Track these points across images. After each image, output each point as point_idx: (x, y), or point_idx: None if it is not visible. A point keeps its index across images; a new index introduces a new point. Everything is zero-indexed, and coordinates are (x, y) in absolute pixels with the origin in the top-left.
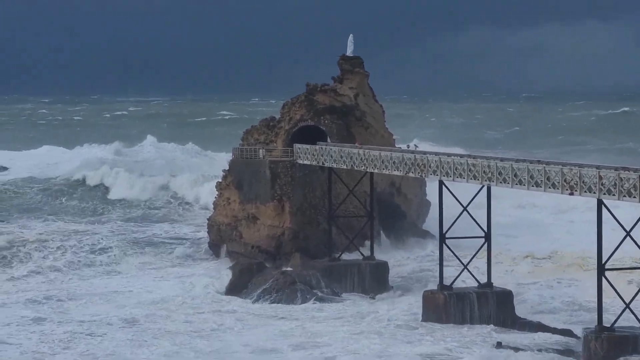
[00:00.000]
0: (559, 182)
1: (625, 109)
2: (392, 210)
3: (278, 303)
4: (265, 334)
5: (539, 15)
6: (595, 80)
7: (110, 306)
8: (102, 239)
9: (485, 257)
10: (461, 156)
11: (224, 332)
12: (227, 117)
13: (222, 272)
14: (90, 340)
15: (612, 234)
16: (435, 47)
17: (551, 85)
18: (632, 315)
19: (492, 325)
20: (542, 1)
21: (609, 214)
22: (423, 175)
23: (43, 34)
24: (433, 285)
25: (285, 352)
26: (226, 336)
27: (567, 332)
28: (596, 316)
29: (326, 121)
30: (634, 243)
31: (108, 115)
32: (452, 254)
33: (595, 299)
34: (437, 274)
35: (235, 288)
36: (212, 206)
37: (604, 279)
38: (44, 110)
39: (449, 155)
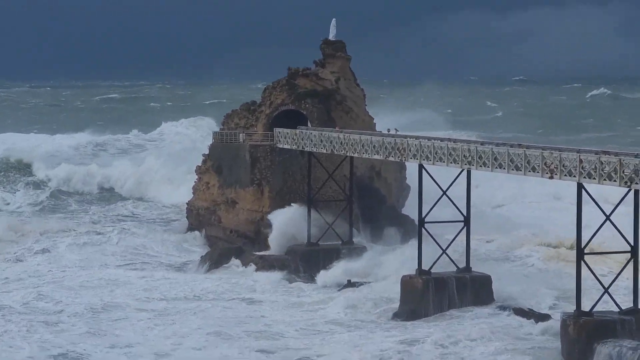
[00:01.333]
0: (539, 166)
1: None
2: (372, 194)
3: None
4: (223, 319)
5: None
6: (583, 64)
7: (78, 291)
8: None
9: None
10: (441, 140)
11: (184, 314)
12: (215, 102)
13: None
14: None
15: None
16: (422, 31)
17: (540, 69)
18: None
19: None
20: None
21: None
22: (403, 159)
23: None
24: (411, 270)
25: (235, 337)
26: (184, 318)
27: (545, 317)
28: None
29: (307, 105)
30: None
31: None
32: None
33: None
34: (416, 258)
35: (212, 272)
36: (192, 190)
37: (583, 263)
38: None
39: (429, 139)
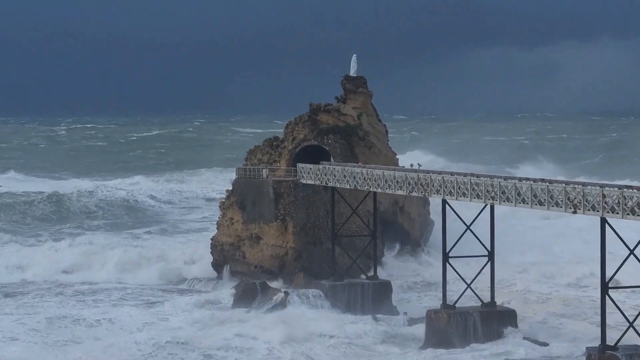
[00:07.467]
0: (562, 201)
1: None
2: (396, 229)
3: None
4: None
5: (553, 33)
6: (610, 99)
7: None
8: None
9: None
10: (464, 175)
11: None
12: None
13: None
14: None
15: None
16: (445, 67)
17: (568, 104)
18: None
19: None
20: (555, 19)
21: None
22: (426, 194)
23: None
24: (436, 304)
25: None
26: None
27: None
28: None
29: (329, 141)
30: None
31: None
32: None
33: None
34: (441, 293)
35: (239, 307)
36: (216, 226)
37: (607, 297)
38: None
39: (452, 174)
